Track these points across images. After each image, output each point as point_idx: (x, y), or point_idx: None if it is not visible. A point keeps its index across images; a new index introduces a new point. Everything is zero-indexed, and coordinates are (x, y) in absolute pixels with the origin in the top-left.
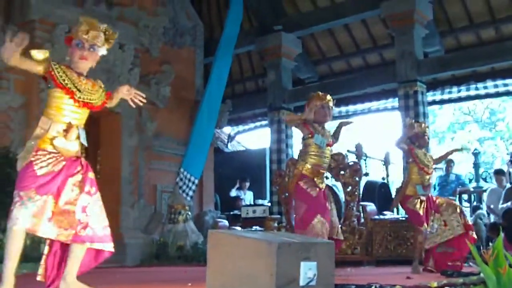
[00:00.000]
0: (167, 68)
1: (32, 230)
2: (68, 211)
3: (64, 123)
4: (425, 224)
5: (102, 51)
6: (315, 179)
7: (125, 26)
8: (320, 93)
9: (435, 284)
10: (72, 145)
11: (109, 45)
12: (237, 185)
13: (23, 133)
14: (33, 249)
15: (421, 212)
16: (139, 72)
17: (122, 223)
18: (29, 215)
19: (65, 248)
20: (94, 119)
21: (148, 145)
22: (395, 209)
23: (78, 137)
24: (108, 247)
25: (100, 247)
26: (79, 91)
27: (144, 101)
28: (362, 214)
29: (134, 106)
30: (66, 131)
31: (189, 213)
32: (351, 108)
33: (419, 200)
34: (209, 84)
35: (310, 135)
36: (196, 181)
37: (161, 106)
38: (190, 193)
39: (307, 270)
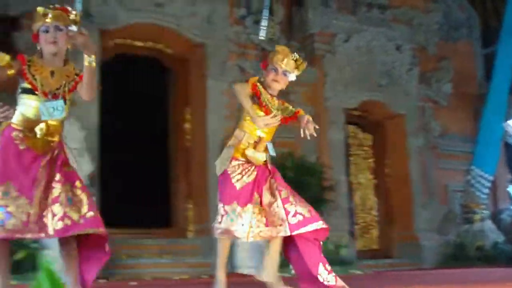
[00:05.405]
0: (445, 64)
1: (244, 238)
2: (273, 211)
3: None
4: None
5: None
6: None
7: (399, 27)
8: None
9: None
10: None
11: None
12: None
13: (315, 142)
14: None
15: None
16: (418, 71)
17: (415, 225)
18: (239, 226)
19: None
20: (378, 122)
21: (434, 145)
22: None
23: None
24: (320, 224)
25: (314, 227)
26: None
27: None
28: None
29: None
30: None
31: (486, 211)
32: None
33: None
34: (493, 76)
35: None
36: (490, 178)
37: (443, 103)
38: (485, 190)
39: None
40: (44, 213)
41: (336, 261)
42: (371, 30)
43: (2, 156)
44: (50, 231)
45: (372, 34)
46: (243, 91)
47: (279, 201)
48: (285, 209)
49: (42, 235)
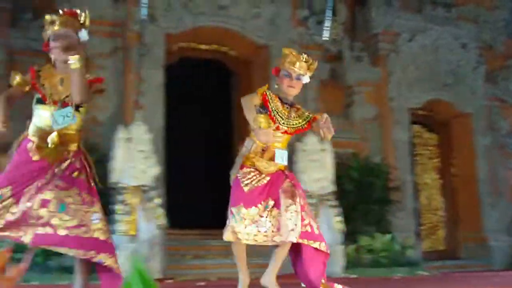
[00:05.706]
0: None
1: (248, 240)
2: (287, 218)
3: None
4: None
5: (306, 79)
6: None
7: (465, 25)
8: None
9: None
10: (270, 164)
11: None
12: None
13: (380, 143)
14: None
15: None
16: (484, 70)
17: (484, 225)
18: (242, 228)
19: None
20: (444, 122)
21: (503, 144)
22: None
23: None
24: (322, 245)
25: (316, 246)
26: None
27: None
28: None
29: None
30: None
31: None
32: None
33: None
34: None
35: None
36: None
37: (511, 102)
38: None
39: None
40: (31, 215)
41: (402, 262)
42: (436, 28)
43: (14, 164)
44: (29, 235)
45: (437, 32)
46: (248, 103)
47: (298, 206)
48: (301, 216)
49: (20, 237)
